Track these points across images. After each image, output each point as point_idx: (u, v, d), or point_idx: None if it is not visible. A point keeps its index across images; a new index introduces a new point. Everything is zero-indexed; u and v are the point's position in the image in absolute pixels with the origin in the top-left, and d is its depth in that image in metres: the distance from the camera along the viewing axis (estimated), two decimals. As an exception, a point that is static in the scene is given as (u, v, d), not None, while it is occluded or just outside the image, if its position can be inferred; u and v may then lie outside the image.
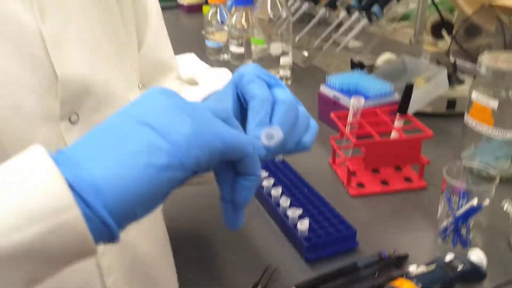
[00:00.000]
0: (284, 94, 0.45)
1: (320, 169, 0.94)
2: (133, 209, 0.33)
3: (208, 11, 1.55)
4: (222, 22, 1.53)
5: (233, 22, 1.46)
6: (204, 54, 1.57)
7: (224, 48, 1.53)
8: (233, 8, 1.48)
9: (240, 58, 1.48)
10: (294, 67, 1.43)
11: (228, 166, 0.40)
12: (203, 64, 1.49)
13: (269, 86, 0.45)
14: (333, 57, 1.45)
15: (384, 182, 0.87)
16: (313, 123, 0.48)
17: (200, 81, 0.78)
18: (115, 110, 0.36)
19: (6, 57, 0.47)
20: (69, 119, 0.51)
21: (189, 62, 1.49)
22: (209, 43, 1.54)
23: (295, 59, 1.46)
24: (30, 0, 0.48)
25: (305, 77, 1.41)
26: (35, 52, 0.48)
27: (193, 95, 0.63)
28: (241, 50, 1.46)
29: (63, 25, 0.51)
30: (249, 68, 0.46)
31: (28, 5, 0.48)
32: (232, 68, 1.48)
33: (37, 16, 0.48)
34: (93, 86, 0.53)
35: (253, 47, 1.40)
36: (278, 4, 1.35)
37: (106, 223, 0.32)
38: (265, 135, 0.42)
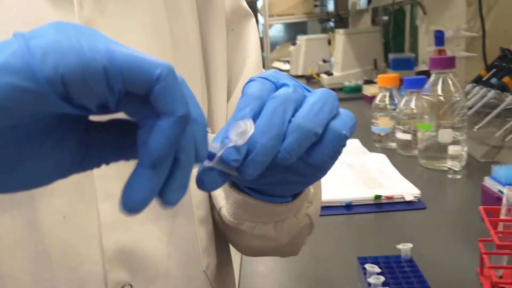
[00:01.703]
0: (284, 90, 0.36)
1: (460, 279, 0.73)
2: None
3: (376, 95, 1.43)
4: (393, 107, 1.40)
5: (401, 106, 1.32)
6: (370, 140, 1.45)
7: (390, 135, 1.39)
8: (405, 92, 1.35)
9: (407, 146, 1.32)
10: (471, 161, 1.23)
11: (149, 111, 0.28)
12: (361, 149, 1.37)
13: (277, 87, 0.38)
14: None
15: (546, 308, 0.63)
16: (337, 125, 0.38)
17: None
18: None
19: None
20: None
21: (349, 147, 1.38)
22: (374, 128, 1.41)
23: (473, 152, 1.25)
24: None
25: (482, 173, 1.18)
26: None
27: None
28: (407, 137, 1.30)
29: None
30: (260, 73, 0.39)
31: None
32: (398, 158, 1.32)
33: None
34: None
35: (419, 133, 1.23)
36: (451, 86, 1.18)
37: None
38: (234, 130, 0.33)
